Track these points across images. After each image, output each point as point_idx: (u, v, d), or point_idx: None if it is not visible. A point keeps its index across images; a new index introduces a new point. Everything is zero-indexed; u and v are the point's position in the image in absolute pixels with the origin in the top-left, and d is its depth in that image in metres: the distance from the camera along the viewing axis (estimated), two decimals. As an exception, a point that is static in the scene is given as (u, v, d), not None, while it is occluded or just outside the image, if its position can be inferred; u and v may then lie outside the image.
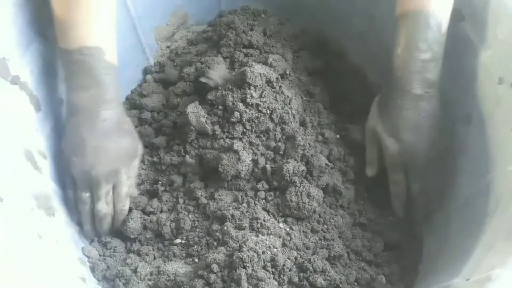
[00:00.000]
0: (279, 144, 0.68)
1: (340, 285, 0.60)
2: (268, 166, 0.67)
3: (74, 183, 0.64)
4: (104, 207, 0.65)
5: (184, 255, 0.66)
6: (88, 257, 0.66)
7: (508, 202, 0.57)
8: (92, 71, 0.61)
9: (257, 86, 0.67)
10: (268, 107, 0.68)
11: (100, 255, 0.67)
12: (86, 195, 0.64)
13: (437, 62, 0.64)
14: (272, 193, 0.67)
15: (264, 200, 0.67)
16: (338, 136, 0.75)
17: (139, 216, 0.69)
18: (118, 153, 0.64)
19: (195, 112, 0.70)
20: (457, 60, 0.70)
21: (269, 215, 0.66)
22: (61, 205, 0.66)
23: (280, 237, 0.63)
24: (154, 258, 0.67)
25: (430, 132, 0.65)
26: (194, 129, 0.71)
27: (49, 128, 0.66)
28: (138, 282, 0.63)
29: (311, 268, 0.60)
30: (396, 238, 0.69)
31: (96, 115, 0.62)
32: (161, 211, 0.70)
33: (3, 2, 0.58)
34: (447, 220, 0.68)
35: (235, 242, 0.62)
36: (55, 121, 0.67)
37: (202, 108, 0.71)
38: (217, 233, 0.65)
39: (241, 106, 0.67)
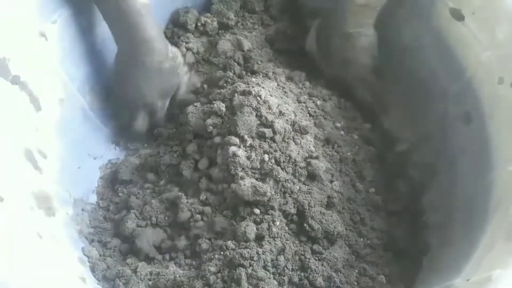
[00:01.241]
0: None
1: (340, 285, 0.60)
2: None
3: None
4: (139, 124, 0.76)
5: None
6: (88, 257, 0.66)
7: (508, 202, 0.57)
8: (125, 15, 0.66)
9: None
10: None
11: (100, 255, 0.67)
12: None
13: (372, 10, 0.76)
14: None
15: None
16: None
17: (135, 217, 0.69)
18: (154, 91, 0.73)
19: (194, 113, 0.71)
20: (457, 60, 0.70)
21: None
22: (61, 205, 0.66)
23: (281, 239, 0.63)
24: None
25: (357, 61, 0.79)
26: (192, 129, 0.71)
27: (49, 128, 0.66)
28: (138, 282, 0.63)
29: (311, 267, 0.60)
30: (396, 238, 0.69)
31: (135, 58, 0.69)
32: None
33: (3, 2, 0.58)
34: (447, 220, 0.68)
35: (236, 245, 0.62)
36: (55, 121, 0.67)
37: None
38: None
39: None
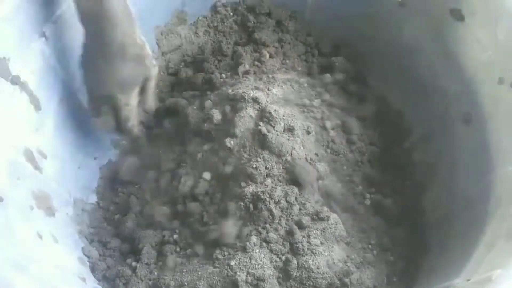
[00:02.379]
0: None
1: (341, 286, 0.60)
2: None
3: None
4: (100, 123, 0.69)
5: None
6: (88, 257, 0.66)
7: (508, 202, 0.57)
8: None
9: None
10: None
11: (100, 255, 0.67)
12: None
13: None
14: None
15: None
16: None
17: (135, 217, 0.69)
18: (115, 80, 0.64)
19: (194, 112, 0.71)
20: (457, 60, 0.70)
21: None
22: (61, 205, 0.65)
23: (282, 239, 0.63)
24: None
25: None
26: (192, 129, 0.71)
27: (49, 128, 0.66)
28: (138, 282, 0.63)
29: (312, 267, 0.60)
30: (397, 237, 0.69)
31: (98, 38, 0.62)
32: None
33: (3, 2, 0.58)
34: (447, 220, 0.68)
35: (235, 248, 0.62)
36: (55, 121, 0.67)
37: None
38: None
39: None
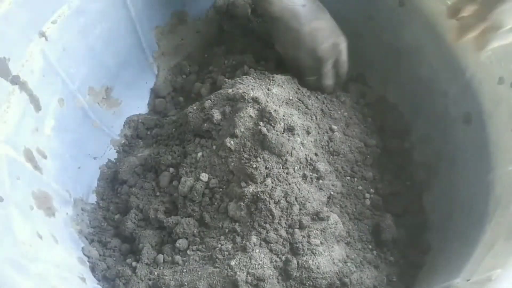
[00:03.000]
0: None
1: (341, 286, 0.60)
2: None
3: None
4: (329, 82, 0.76)
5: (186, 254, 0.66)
6: (88, 257, 0.66)
7: (508, 202, 0.57)
8: None
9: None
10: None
11: (100, 255, 0.67)
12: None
13: None
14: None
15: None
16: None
17: (135, 217, 0.69)
18: (331, 27, 0.73)
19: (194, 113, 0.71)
20: (457, 60, 0.70)
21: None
22: (61, 205, 0.66)
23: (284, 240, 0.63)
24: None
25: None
26: (192, 129, 0.71)
27: (49, 128, 0.66)
28: (138, 282, 0.63)
29: (312, 267, 0.60)
30: (397, 237, 0.69)
31: (293, 4, 0.69)
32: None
33: (3, 2, 0.58)
34: (447, 220, 0.68)
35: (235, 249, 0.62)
36: (55, 121, 0.67)
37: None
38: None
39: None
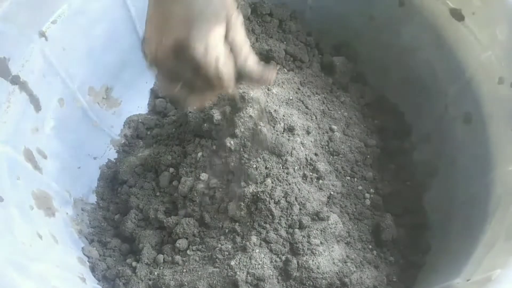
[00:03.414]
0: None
1: (341, 286, 0.60)
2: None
3: None
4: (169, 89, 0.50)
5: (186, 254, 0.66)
6: (88, 257, 0.66)
7: (508, 202, 0.57)
8: None
9: None
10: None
11: (100, 255, 0.67)
12: None
13: None
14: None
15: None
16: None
17: (135, 217, 0.69)
18: (184, 16, 0.42)
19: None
20: (457, 60, 0.70)
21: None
22: (61, 205, 0.66)
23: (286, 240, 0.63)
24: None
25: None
26: (192, 129, 0.71)
27: (49, 128, 0.66)
28: (138, 282, 0.63)
29: (312, 267, 0.60)
30: (397, 237, 0.69)
31: None
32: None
33: (3, 2, 0.58)
34: (447, 220, 0.68)
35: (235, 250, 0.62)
36: (55, 121, 0.67)
37: None
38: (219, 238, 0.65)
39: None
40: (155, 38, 0.44)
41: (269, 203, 0.63)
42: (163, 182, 0.72)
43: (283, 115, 0.68)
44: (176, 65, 0.44)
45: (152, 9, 0.44)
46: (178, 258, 0.64)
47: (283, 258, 0.61)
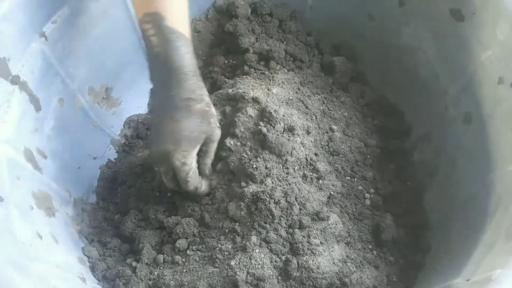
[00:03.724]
0: None
1: (341, 286, 0.60)
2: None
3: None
4: (162, 182, 0.65)
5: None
6: (88, 257, 0.66)
7: (508, 202, 0.57)
8: (152, 39, 0.57)
9: None
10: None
11: (100, 255, 0.67)
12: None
13: None
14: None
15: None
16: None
17: (134, 217, 0.69)
18: (175, 135, 0.58)
19: None
20: (457, 60, 0.70)
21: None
22: (61, 205, 0.65)
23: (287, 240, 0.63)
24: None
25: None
26: None
27: (49, 128, 0.66)
28: (138, 282, 0.63)
29: (312, 267, 0.60)
30: (397, 237, 0.69)
31: (164, 92, 0.58)
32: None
33: (3, 2, 0.58)
34: (447, 220, 0.68)
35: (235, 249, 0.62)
36: (55, 121, 0.67)
37: None
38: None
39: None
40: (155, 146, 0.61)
41: (269, 203, 0.63)
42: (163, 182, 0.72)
43: (283, 115, 0.68)
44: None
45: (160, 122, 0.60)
46: (178, 258, 0.64)
47: (283, 258, 0.61)
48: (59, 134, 0.68)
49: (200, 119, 0.60)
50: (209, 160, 0.65)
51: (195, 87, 0.59)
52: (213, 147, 0.64)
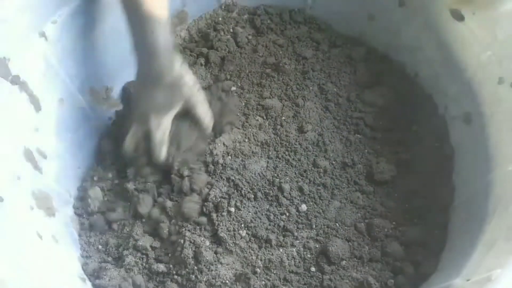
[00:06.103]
0: None
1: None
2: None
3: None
4: (127, 140, 0.71)
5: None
6: (88, 257, 0.66)
7: (508, 202, 0.57)
8: (130, 20, 0.65)
9: None
10: None
11: (100, 255, 0.67)
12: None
13: None
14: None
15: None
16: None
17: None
18: (150, 104, 0.68)
19: None
20: (457, 60, 0.70)
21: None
22: (61, 205, 0.65)
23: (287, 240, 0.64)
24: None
25: None
26: None
27: (49, 128, 0.66)
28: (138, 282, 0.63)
29: (314, 270, 0.60)
30: (397, 238, 0.69)
31: (141, 69, 0.68)
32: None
33: (3, 2, 0.58)
34: (447, 220, 0.68)
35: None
36: (55, 121, 0.67)
37: None
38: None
39: None
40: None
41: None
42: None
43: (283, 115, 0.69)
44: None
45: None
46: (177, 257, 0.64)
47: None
48: (59, 134, 0.68)
49: (170, 90, 0.68)
50: (205, 120, 0.72)
51: (165, 61, 0.66)
52: (200, 109, 0.71)
